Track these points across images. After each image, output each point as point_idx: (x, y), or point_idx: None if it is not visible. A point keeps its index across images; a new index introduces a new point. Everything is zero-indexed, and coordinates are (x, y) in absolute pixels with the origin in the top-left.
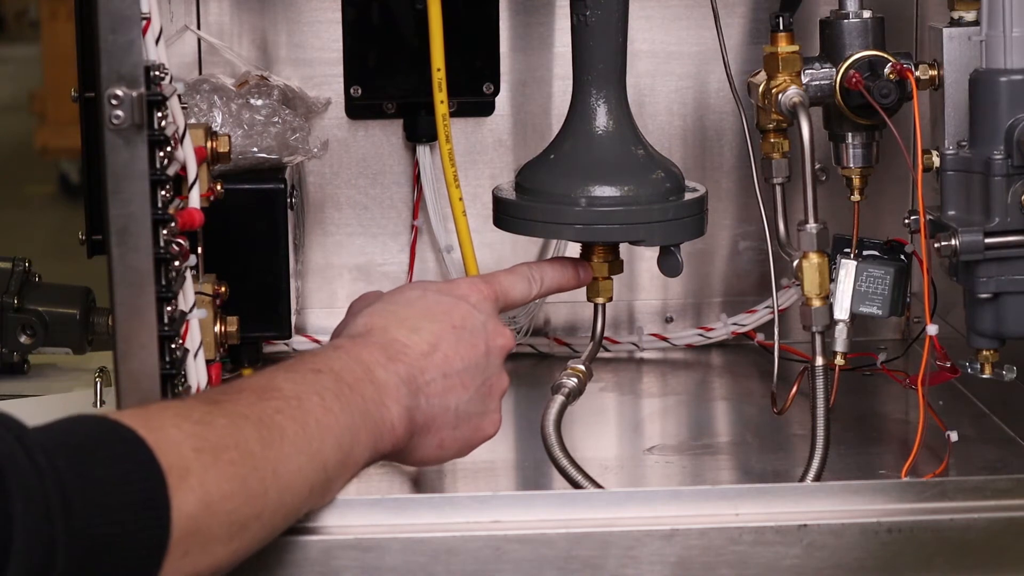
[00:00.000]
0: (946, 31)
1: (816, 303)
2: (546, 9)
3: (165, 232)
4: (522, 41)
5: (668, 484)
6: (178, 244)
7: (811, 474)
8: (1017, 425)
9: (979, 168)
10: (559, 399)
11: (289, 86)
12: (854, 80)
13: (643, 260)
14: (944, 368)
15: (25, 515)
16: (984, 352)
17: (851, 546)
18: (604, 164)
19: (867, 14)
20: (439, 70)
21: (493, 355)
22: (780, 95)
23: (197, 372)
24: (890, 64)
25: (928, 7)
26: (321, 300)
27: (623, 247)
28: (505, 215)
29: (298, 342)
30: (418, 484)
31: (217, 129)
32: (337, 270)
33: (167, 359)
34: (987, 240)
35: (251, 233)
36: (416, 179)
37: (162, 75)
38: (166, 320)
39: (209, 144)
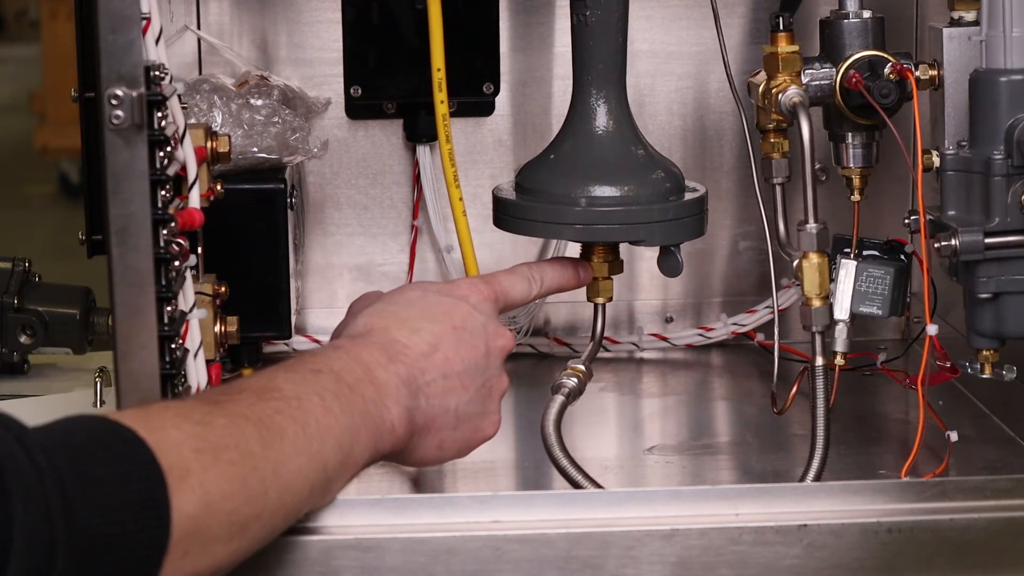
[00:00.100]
0: (946, 31)
1: (816, 303)
2: (546, 9)
3: (165, 232)
4: (522, 41)
5: (668, 484)
6: (178, 244)
7: (811, 474)
8: (1017, 425)
9: (979, 168)
10: (559, 399)
11: (289, 86)
12: (854, 80)
13: (643, 260)
14: (944, 368)
15: (25, 515)
16: (984, 352)
17: (851, 546)
18: (604, 164)
19: (867, 14)
20: (439, 70)
21: (493, 356)
22: (780, 95)
23: (197, 372)
24: (890, 64)
25: (928, 7)
26: (321, 300)
27: (623, 247)
28: (505, 215)
29: (298, 342)
30: (418, 484)
31: (217, 129)
32: (337, 270)
33: (167, 359)
34: (987, 240)
35: (251, 233)
36: (416, 179)
37: (162, 75)
38: (166, 320)
39: (209, 144)
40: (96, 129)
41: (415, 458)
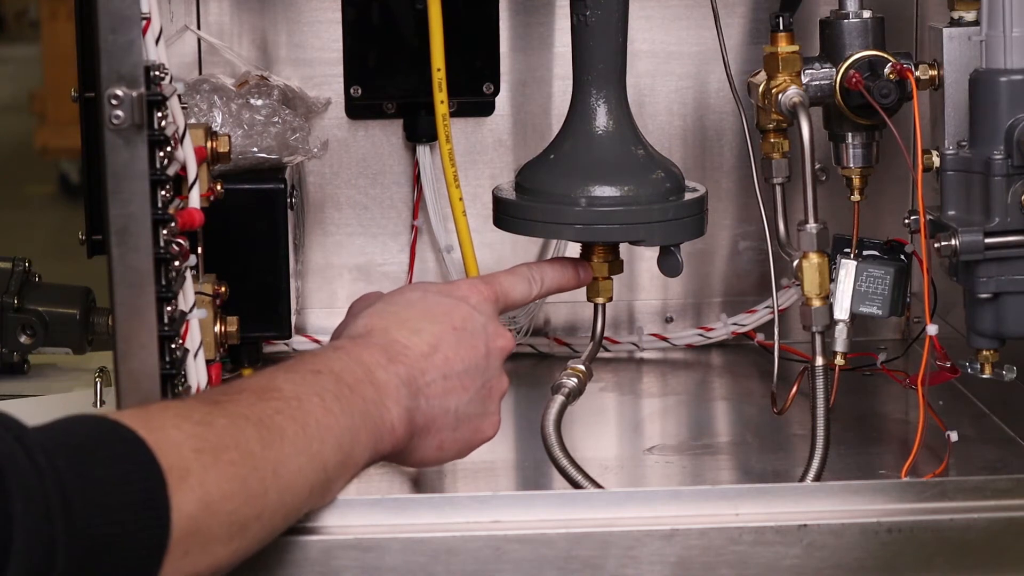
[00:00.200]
0: (946, 31)
1: (816, 303)
2: (546, 9)
3: (165, 232)
4: (522, 41)
5: (668, 484)
6: (178, 244)
7: (811, 474)
8: (1017, 425)
9: (979, 168)
10: (559, 399)
11: (289, 86)
12: (854, 80)
13: (643, 260)
14: (944, 368)
15: (25, 515)
16: (984, 352)
17: (851, 546)
18: (604, 164)
19: (867, 14)
20: (439, 70)
21: (493, 357)
22: (780, 95)
23: (197, 372)
24: (890, 64)
25: (928, 7)
26: (321, 300)
27: (623, 247)
28: (505, 215)
29: (298, 342)
30: (418, 484)
31: (217, 129)
32: (337, 270)
33: (167, 359)
34: (987, 240)
35: (251, 233)
36: (416, 179)
37: (162, 75)
38: (166, 320)
39: (209, 144)
40: (96, 129)
41: (415, 459)
